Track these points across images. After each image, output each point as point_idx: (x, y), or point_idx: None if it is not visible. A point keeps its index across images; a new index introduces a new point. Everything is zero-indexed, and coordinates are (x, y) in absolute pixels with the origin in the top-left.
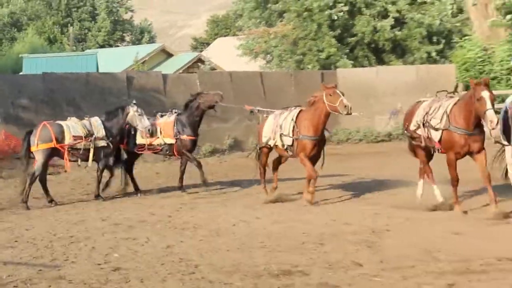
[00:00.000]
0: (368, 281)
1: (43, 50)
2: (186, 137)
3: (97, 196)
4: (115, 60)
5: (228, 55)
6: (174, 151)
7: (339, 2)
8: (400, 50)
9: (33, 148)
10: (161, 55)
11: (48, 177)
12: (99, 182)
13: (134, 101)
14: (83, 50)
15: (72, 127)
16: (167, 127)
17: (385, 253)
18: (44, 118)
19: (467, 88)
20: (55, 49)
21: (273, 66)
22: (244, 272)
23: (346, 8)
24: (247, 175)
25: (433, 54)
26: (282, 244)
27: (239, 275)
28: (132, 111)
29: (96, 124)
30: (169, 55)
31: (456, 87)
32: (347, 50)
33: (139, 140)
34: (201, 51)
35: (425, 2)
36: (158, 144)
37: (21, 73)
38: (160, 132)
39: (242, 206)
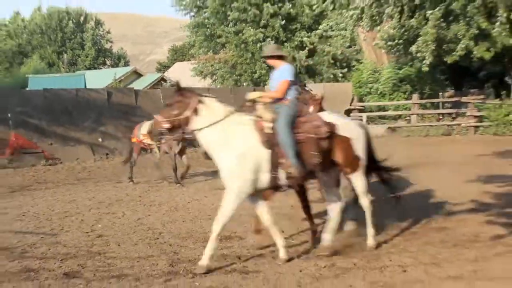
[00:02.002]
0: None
1: (44, 71)
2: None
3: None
4: (98, 79)
5: (184, 76)
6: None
7: (268, 37)
8: (312, 72)
9: (133, 140)
10: (133, 75)
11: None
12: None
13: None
14: (74, 72)
15: (143, 127)
16: None
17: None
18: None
19: (360, 100)
20: (53, 71)
21: (217, 83)
22: (196, 237)
23: (272, 41)
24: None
25: (339, 75)
26: None
27: (192, 240)
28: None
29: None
30: (140, 75)
31: (352, 99)
32: None
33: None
34: (163, 72)
35: (330, 36)
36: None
37: (27, 89)
38: None
39: (195, 188)
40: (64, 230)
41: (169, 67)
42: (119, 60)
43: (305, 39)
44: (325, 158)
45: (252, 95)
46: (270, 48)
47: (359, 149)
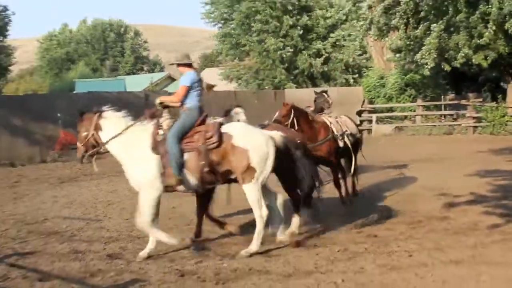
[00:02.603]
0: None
1: (89, 76)
2: None
3: None
4: (137, 83)
5: (213, 80)
6: None
7: (287, 45)
8: (327, 77)
9: None
10: (167, 80)
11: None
12: None
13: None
14: (116, 77)
15: None
16: None
17: None
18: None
19: (370, 102)
20: (97, 76)
21: (242, 87)
22: None
23: (291, 50)
24: None
25: (351, 80)
26: None
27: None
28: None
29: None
30: (173, 79)
31: (363, 102)
32: (292, 77)
33: None
34: None
35: (343, 45)
36: None
37: (74, 92)
38: None
39: None
40: (107, 217)
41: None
42: (155, 66)
43: (320, 47)
44: (218, 168)
45: (159, 99)
46: (179, 56)
47: (255, 160)
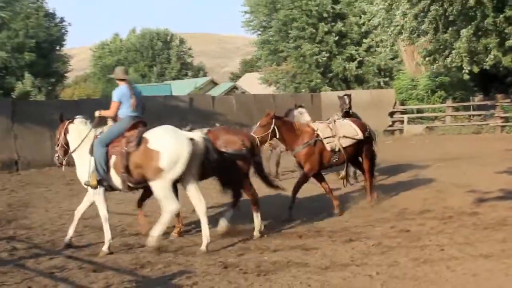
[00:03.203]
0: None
1: (138, 82)
2: None
3: None
4: (182, 88)
5: (252, 84)
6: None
7: (322, 51)
8: (360, 80)
9: None
10: (210, 84)
11: None
12: None
13: (302, 104)
14: (162, 82)
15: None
16: None
17: None
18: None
19: (402, 104)
20: (145, 81)
21: (280, 90)
22: (264, 220)
23: (327, 55)
24: None
25: (382, 83)
26: None
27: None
28: (298, 112)
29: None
30: (216, 84)
31: (395, 103)
32: (327, 81)
33: None
34: (235, 82)
35: (375, 50)
36: None
37: None
38: None
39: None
40: (156, 212)
41: (240, 77)
42: (198, 71)
43: (354, 52)
44: (135, 169)
45: (98, 112)
46: (117, 71)
47: (164, 162)
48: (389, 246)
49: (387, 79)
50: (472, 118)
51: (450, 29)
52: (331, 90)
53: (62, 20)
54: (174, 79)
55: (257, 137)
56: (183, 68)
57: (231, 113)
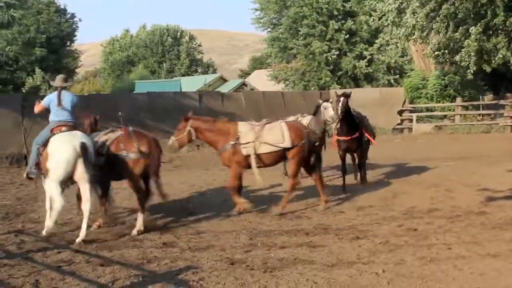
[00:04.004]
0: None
1: (148, 78)
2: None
3: None
4: (191, 84)
5: (262, 81)
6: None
7: (332, 48)
8: (369, 78)
9: None
10: (220, 81)
11: None
12: None
13: (330, 99)
14: (172, 78)
15: None
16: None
17: None
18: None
19: (411, 102)
20: (155, 77)
21: (289, 88)
22: (271, 216)
23: (336, 53)
24: None
25: (392, 81)
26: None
27: (268, 218)
28: (323, 107)
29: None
30: (225, 81)
31: (404, 102)
32: (337, 79)
33: None
34: (245, 78)
35: (385, 48)
36: None
37: (134, 92)
38: None
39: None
40: (163, 207)
41: (249, 74)
42: (208, 68)
43: (364, 51)
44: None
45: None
46: (56, 80)
47: (50, 163)
48: (396, 245)
49: (397, 77)
50: (481, 117)
51: (460, 28)
52: (340, 88)
53: (73, 15)
54: (183, 75)
55: (175, 141)
56: (192, 64)
57: (240, 110)
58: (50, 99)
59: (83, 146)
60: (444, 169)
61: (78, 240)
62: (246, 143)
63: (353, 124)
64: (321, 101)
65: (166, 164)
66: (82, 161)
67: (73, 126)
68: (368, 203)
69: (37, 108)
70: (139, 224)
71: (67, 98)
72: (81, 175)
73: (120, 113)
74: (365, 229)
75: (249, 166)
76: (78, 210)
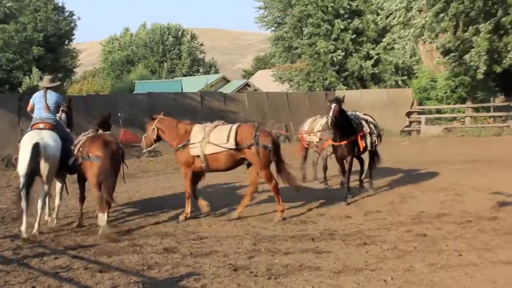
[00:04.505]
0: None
1: (148, 78)
2: None
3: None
4: (193, 85)
5: (265, 82)
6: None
7: (338, 48)
8: (376, 79)
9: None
10: (222, 81)
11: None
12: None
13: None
14: (173, 78)
15: (305, 124)
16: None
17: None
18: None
19: (419, 104)
20: (155, 78)
21: (293, 88)
22: (275, 221)
23: (342, 53)
24: None
25: (400, 82)
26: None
27: (272, 223)
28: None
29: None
30: (228, 81)
31: (412, 103)
32: (342, 79)
33: None
34: (248, 79)
35: (393, 48)
36: None
37: (134, 92)
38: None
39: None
40: (164, 212)
41: (252, 74)
42: (210, 68)
43: (371, 51)
44: None
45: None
46: (43, 80)
47: (19, 157)
48: (404, 251)
49: (405, 77)
50: (492, 119)
51: (470, 27)
52: (346, 89)
53: (71, 14)
54: (185, 75)
55: (144, 139)
56: (194, 64)
57: (243, 111)
58: (35, 96)
59: (36, 146)
60: (454, 172)
61: (34, 231)
62: (193, 143)
63: (347, 129)
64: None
65: (167, 168)
66: (43, 160)
67: (52, 124)
68: (375, 207)
69: (28, 107)
70: (102, 221)
71: (52, 98)
72: (43, 173)
73: (119, 114)
74: (372, 234)
75: (202, 169)
76: (80, 213)
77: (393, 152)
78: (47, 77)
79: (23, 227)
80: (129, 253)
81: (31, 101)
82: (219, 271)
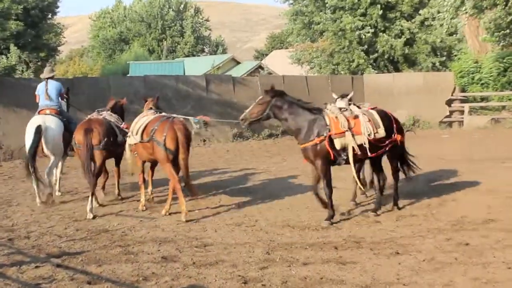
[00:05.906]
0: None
1: (144, 58)
2: None
3: None
4: (197, 67)
5: (281, 63)
6: None
7: (366, 25)
8: (410, 61)
9: None
10: (231, 63)
11: None
12: None
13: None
14: (173, 59)
15: None
16: None
17: None
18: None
19: (462, 90)
20: (153, 58)
21: (314, 71)
22: (292, 226)
23: (371, 30)
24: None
25: (437, 64)
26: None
27: (288, 229)
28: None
29: None
30: (237, 63)
31: (454, 89)
32: (372, 61)
33: None
34: (261, 60)
35: (431, 25)
36: None
37: (128, 75)
38: None
39: (287, 175)
40: (162, 215)
41: (266, 54)
42: (217, 47)
43: (404, 27)
44: None
45: None
46: (45, 71)
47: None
48: (443, 262)
49: (443, 59)
50: None
51: None
52: (376, 73)
53: None
54: (187, 56)
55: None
56: (198, 43)
57: (255, 98)
58: (38, 88)
59: (38, 128)
60: (504, 171)
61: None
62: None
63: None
64: (335, 96)
65: None
66: (43, 140)
67: (56, 110)
68: (409, 211)
69: (36, 98)
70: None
71: (53, 87)
72: (47, 151)
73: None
74: (405, 243)
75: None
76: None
77: (431, 146)
78: (47, 68)
79: (37, 199)
80: (122, 261)
81: (36, 92)
82: (226, 284)
